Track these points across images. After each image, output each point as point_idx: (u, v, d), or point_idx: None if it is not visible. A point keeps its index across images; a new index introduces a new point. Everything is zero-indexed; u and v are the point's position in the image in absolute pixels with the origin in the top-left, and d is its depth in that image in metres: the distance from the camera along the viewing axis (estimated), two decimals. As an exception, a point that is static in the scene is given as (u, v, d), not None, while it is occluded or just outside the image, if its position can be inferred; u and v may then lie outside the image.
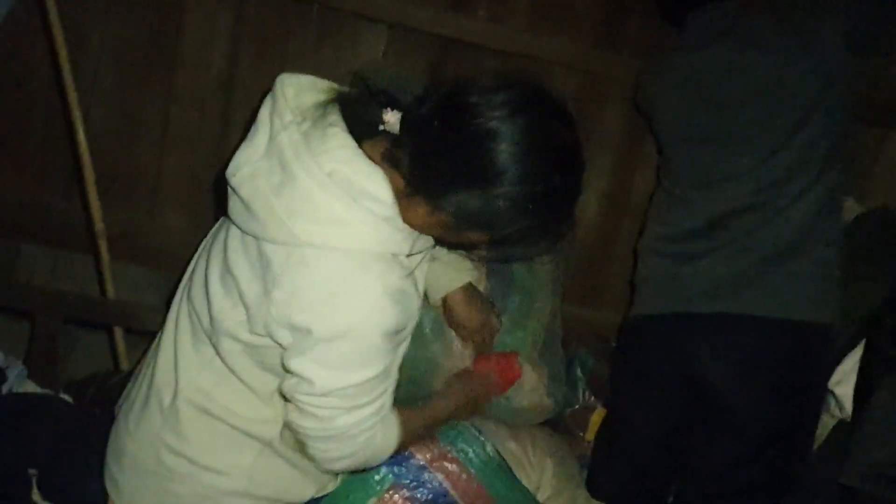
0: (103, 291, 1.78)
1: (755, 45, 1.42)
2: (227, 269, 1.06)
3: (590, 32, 1.91)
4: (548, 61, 1.88)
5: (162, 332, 1.20)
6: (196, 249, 1.21)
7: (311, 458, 1.10)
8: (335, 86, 1.05)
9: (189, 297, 1.15)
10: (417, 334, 1.28)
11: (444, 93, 0.95)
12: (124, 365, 1.81)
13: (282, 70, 1.05)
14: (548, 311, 1.49)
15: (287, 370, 1.03)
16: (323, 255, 0.95)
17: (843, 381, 1.31)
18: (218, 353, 1.10)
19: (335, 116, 0.98)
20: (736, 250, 1.42)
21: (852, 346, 1.37)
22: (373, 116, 0.98)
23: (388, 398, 1.07)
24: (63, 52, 1.63)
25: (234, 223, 1.05)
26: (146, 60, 1.82)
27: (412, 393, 1.27)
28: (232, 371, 1.10)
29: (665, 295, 1.50)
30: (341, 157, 0.95)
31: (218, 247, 1.11)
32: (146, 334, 1.59)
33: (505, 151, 0.89)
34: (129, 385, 1.27)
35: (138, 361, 1.33)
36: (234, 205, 1.03)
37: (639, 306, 1.60)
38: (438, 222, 0.97)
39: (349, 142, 0.97)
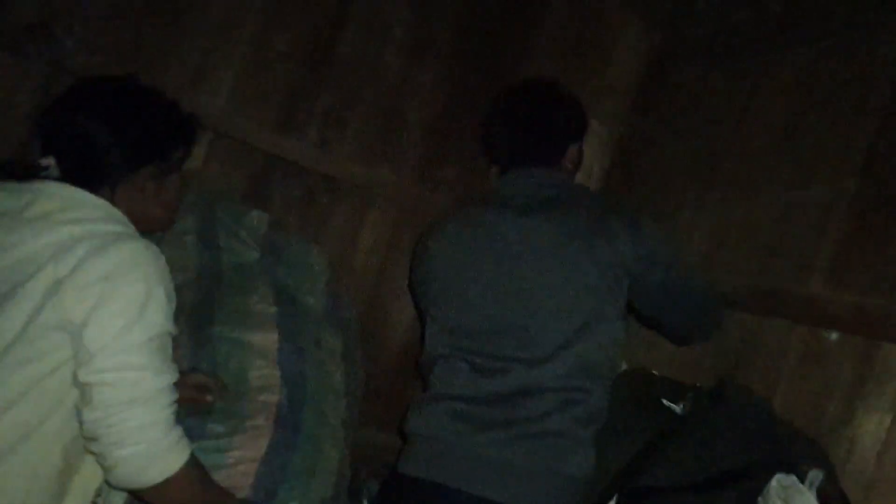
0: None
1: (569, 229, 1.45)
2: None
3: (411, 170, 2.05)
4: (372, 191, 1.99)
5: None
6: None
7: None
8: None
9: None
10: None
11: (62, 133, 1.21)
12: None
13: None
14: (336, 460, 1.48)
15: None
16: None
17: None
18: None
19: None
20: (518, 433, 1.39)
21: (606, 502, 1.46)
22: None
23: None
24: None
25: None
26: None
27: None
28: None
29: (436, 461, 1.43)
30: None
31: None
32: None
33: (100, 124, 1.21)
34: None
35: None
36: None
37: (404, 464, 1.48)
38: (151, 174, 1.24)
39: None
